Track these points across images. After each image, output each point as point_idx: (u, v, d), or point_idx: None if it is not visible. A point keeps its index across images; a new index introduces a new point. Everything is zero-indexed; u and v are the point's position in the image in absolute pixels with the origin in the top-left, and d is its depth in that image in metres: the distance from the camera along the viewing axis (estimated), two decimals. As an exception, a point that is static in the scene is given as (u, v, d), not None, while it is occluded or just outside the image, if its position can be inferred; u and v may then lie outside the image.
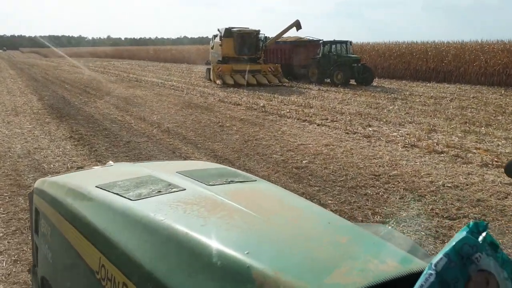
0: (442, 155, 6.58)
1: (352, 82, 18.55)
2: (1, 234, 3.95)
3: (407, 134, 8.08)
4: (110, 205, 1.42)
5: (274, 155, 6.69)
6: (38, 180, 2.11)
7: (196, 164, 2.86)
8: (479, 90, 17.06)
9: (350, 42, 19.66)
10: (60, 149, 7.10)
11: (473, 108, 11.60)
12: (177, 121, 9.76)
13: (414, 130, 8.51)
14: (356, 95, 14.83)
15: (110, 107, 12.08)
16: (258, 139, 7.83)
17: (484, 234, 0.77)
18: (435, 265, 0.74)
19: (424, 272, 0.76)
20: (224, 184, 1.59)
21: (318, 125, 9.17)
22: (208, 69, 20.57)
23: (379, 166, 5.98)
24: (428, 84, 19.71)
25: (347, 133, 8.29)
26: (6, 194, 4.96)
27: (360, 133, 8.19)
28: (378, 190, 5.01)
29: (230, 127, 8.95)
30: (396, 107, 11.83)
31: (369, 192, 4.96)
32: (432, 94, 15.35)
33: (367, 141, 7.56)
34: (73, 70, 30.31)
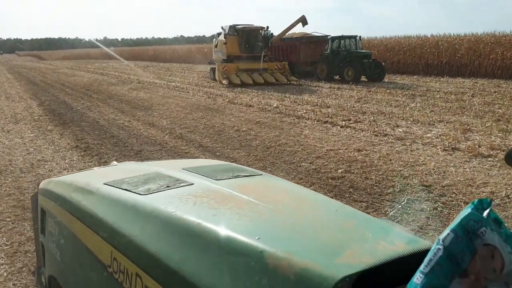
0: (490, 159, 5.94)
1: (363, 78, 17.89)
2: (5, 274, 3.30)
3: (441, 135, 7.43)
4: (119, 200, 1.41)
5: (303, 163, 6.05)
6: (43, 181, 2.08)
7: (200, 161, 2.84)
8: (497, 84, 16.38)
9: (360, 37, 18.94)
10: (66, 161, 6.47)
11: (500, 104, 10.95)
12: (188, 125, 9.11)
13: (447, 130, 7.86)
14: (371, 93, 14.17)
15: (115, 111, 11.42)
16: (280, 144, 7.19)
17: (488, 210, 0.76)
18: (443, 240, 0.74)
19: (433, 247, 0.75)
20: (231, 178, 1.58)
21: (342, 127, 8.52)
22: (212, 69, 19.87)
23: (426, 174, 5.34)
24: (442, 79, 19.04)
25: (376, 135, 7.65)
26: (9, 219, 4.31)
27: (391, 135, 7.54)
28: (435, 205, 4.38)
29: (247, 132, 8.30)
30: (418, 104, 11.18)
31: (425, 207, 4.33)
32: (449, 89, 14.69)
33: (402, 144, 6.91)
34: (71, 72, 29.62)
